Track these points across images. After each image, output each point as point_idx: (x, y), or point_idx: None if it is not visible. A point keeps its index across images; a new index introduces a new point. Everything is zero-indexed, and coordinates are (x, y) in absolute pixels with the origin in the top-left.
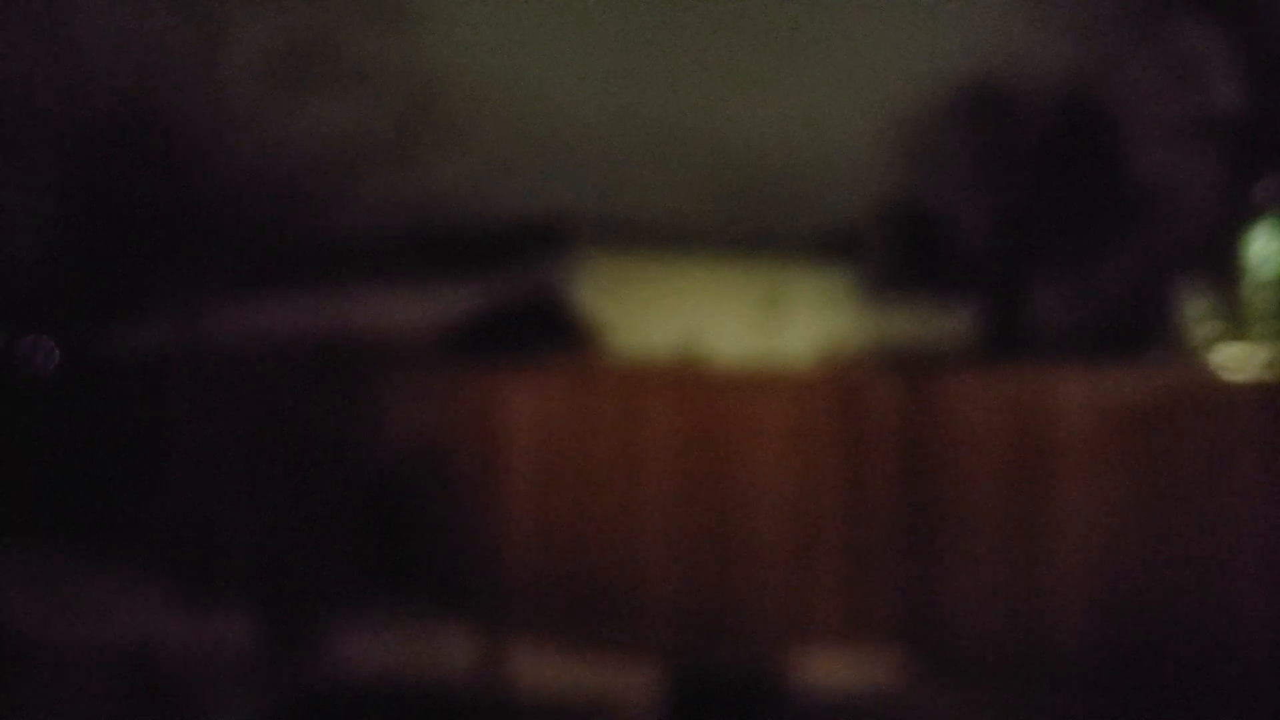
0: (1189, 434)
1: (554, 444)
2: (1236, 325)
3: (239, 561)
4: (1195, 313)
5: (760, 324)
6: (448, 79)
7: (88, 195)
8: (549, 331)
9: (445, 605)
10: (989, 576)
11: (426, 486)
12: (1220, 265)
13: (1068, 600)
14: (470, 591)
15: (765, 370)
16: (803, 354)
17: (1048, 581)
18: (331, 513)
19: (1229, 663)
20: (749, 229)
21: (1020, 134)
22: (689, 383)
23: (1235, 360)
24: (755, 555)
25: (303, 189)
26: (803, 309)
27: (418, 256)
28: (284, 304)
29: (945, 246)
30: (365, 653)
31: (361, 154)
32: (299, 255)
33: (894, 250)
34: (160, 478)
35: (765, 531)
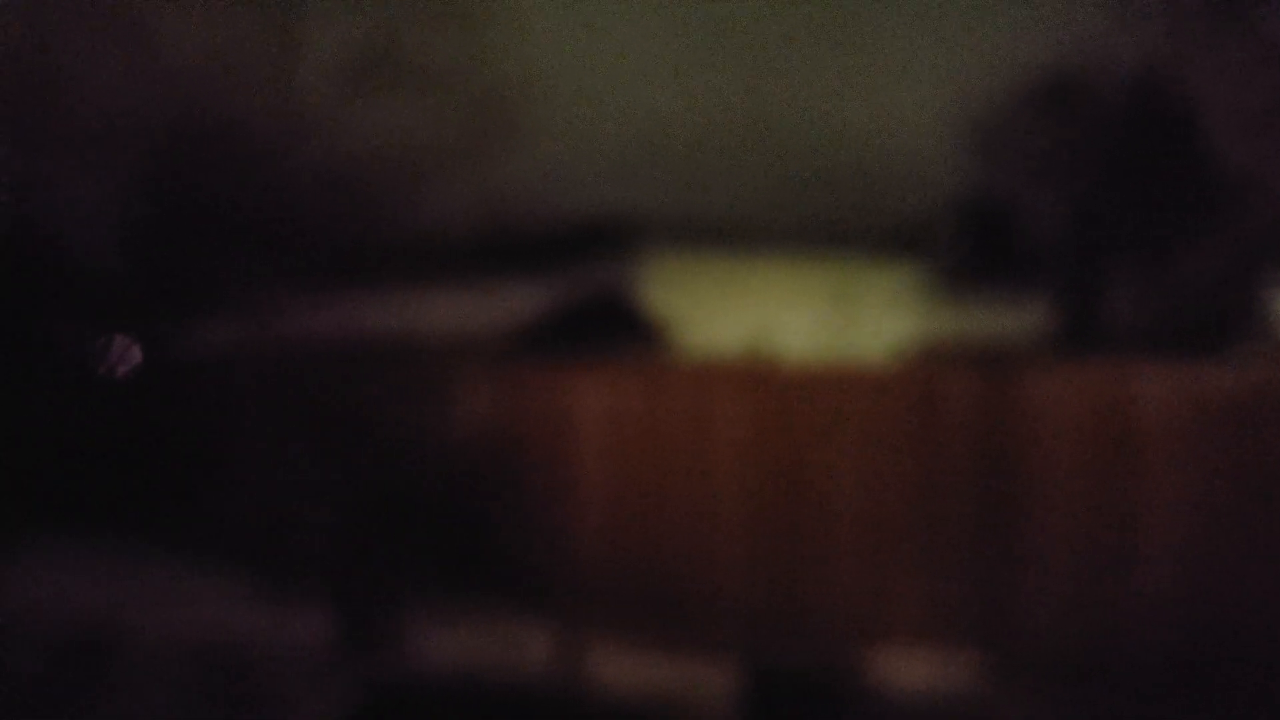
0: (1278, 431)
1: (625, 442)
2: None
3: (315, 558)
4: None
5: (830, 321)
6: (516, 79)
7: (164, 197)
8: (618, 330)
9: (519, 603)
10: (1069, 578)
11: (498, 485)
12: None
13: (1151, 604)
14: (543, 590)
15: (838, 367)
16: (873, 351)
17: (1130, 584)
18: (406, 510)
19: None
20: (818, 225)
21: (1097, 124)
22: (761, 380)
23: None
24: (829, 554)
25: (374, 190)
26: (873, 306)
27: (487, 256)
28: (356, 304)
29: (1019, 241)
30: (441, 650)
31: (432, 155)
32: (370, 256)
33: (966, 245)
34: (236, 474)
35: (840, 531)
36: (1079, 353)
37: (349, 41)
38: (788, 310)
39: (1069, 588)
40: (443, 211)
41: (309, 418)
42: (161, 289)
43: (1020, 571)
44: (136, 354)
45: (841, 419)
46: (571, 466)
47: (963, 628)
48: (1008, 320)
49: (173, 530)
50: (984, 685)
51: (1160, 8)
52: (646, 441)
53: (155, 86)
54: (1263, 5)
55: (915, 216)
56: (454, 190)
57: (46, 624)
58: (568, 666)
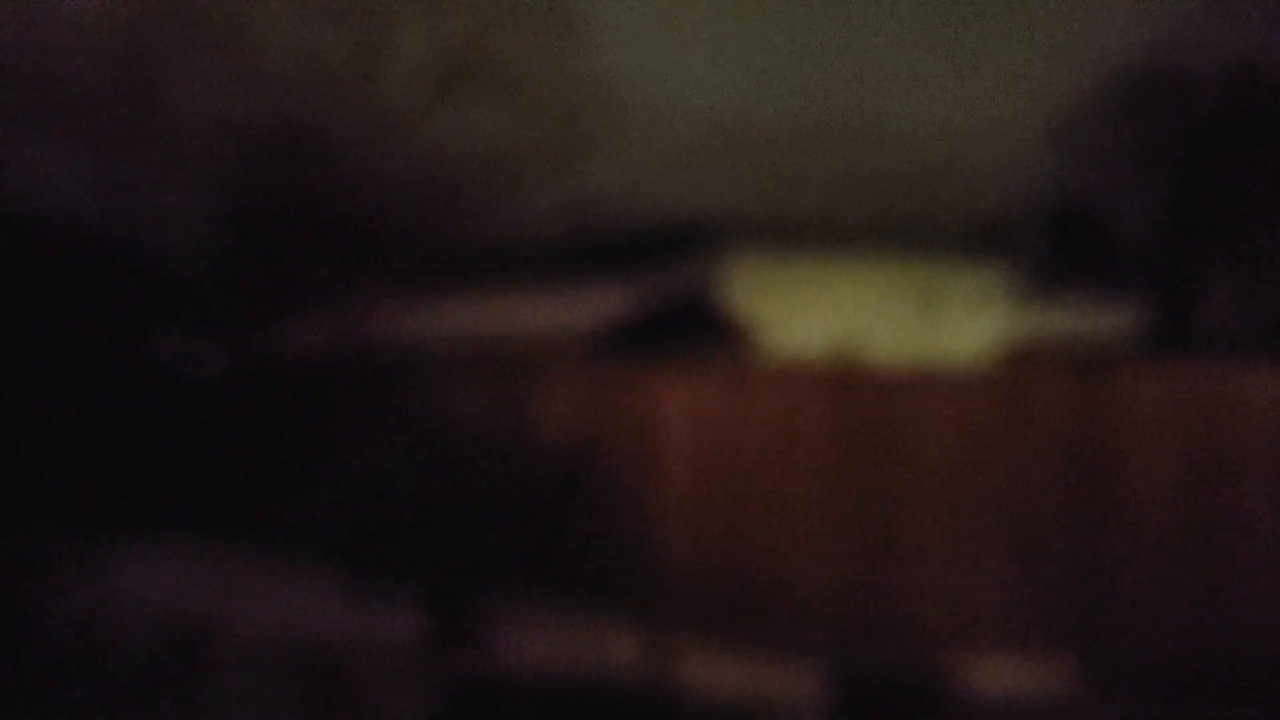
0: None
1: (710, 444)
2: None
3: (404, 557)
4: None
5: (914, 322)
6: (600, 82)
7: (255, 201)
8: (702, 332)
9: (606, 604)
10: (1165, 584)
11: (584, 485)
12: None
13: (1251, 612)
14: (630, 590)
15: (926, 369)
16: (960, 353)
17: (1229, 591)
18: (493, 510)
19: None
20: (902, 225)
21: (1189, 118)
22: (846, 382)
23: None
24: (917, 557)
25: (461, 194)
26: (959, 306)
27: (573, 259)
28: (443, 306)
29: (1108, 239)
30: (527, 649)
31: (518, 158)
32: (457, 259)
33: (1054, 244)
34: (327, 474)
35: (928, 533)
36: (1173, 354)
37: (437, 46)
38: (872, 311)
39: (1163, 594)
40: (528, 215)
41: (397, 418)
42: (253, 292)
43: (1113, 577)
44: (222, 356)
45: (930, 421)
46: (657, 468)
47: (1055, 633)
48: (1097, 321)
49: (264, 529)
50: (1076, 692)
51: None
52: (732, 443)
53: (245, 92)
54: None
55: (1002, 215)
56: (539, 193)
57: (143, 621)
58: (654, 668)
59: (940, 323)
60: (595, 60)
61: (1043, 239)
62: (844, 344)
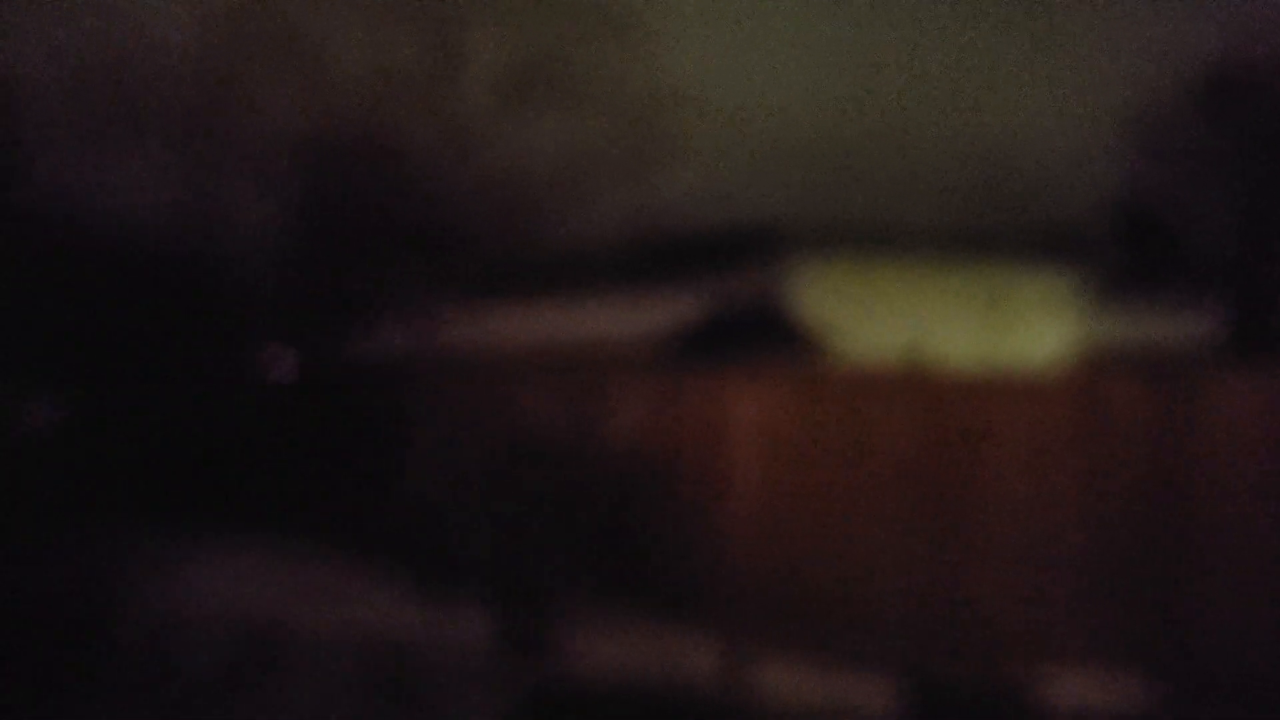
0: None
1: (782, 450)
2: None
3: (477, 562)
4: None
5: (986, 327)
6: (671, 90)
7: (330, 210)
8: (771, 338)
9: (676, 610)
10: (1245, 595)
11: (656, 492)
12: None
13: None
14: (701, 596)
15: (1001, 375)
16: (1032, 359)
17: None
18: (563, 516)
19: None
20: (973, 229)
21: (1266, 121)
22: (917, 388)
23: None
24: (992, 567)
25: (531, 202)
26: (1031, 312)
27: (643, 265)
28: (515, 312)
29: (1184, 243)
30: (598, 655)
31: (588, 167)
32: (528, 266)
33: (1127, 249)
34: (400, 479)
35: (1001, 541)
36: (1251, 359)
37: (508, 56)
38: (943, 317)
39: (1243, 606)
40: (599, 222)
41: (469, 424)
42: (329, 300)
43: (1191, 588)
44: (293, 363)
45: (1002, 429)
46: (728, 474)
47: (1131, 646)
48: (1173, 326)
49: (339, 533)
50: (1153, 708)
51: None
52: (803, 449)
53: (321, 103)
54: None
55: (1075, 219)
56: (610, 201)
57: (218, 623)
58: (727, 676)
59: (1011, 328)
60: (665, 69)
61: (1116, 243)
62: (914, 350)
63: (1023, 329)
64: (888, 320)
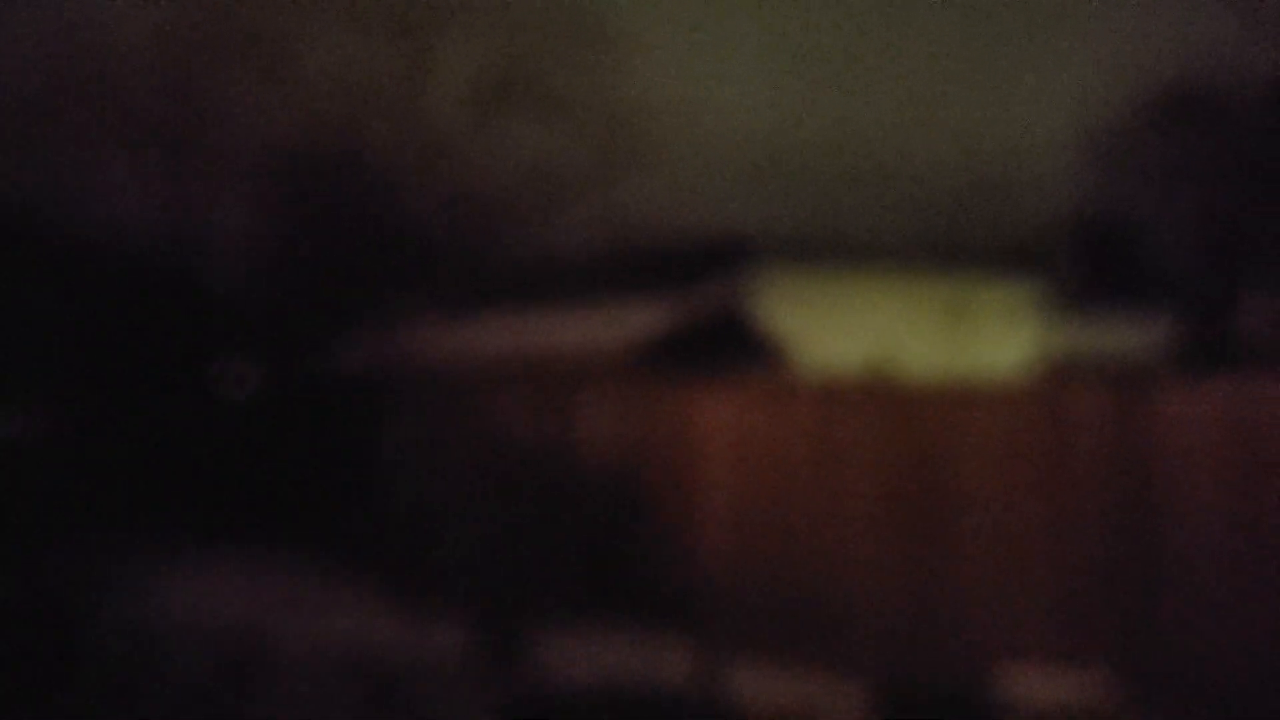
0: None
1: (752, 460)
2: None
3: (454, 573)
4: None
5: (948, 338)
6: (639, 102)
7: (300, 222)
8: (738, 348)
9: (651, 619)
10: (1205, 597)
11: (627, 501)
12: None
13: None
14: (676, 607)
15: (963, 385)
16: (994, 368)
17: (1269, 606)
18: (539, 526)
19: None
20: (936, 241)
21: (1225, 136)
22: (883, 398)
23: None
24: (960, 572)
25: (502, 212)
26: (993, 322)
27: (610, 275)
28: (486, 323)
29: (1144, 255)
30: (575, 664)
31: (558, 177)
32: (498, 277)
33: (1087, 260)
34: (375, 491)
35: (968, 546)
36: (1208, 370)
37: (481, 67)
38: (908, 328)
39: (1203, 607)
40: (568, 232)
41: (443, 434)
42: (301, 311)
43: (1153, 590)
44: (264, 375)
45: (967, 437)
46: (697, 483)
47: (1096, 646)
48: (1134, 337)
49: (317, 545)
50: (1118, 705)
51: None
52: (771, 458)
53: (293, 112)
54: None
55: (1036, 231)
56: (579, 211)
57: (196, 636)
58: (702, 682)
59: (973, 339)
60: (636, 80)
61: (1076, 255)
62: (879, 360)
63: (986, 339)
64: (853, 330)
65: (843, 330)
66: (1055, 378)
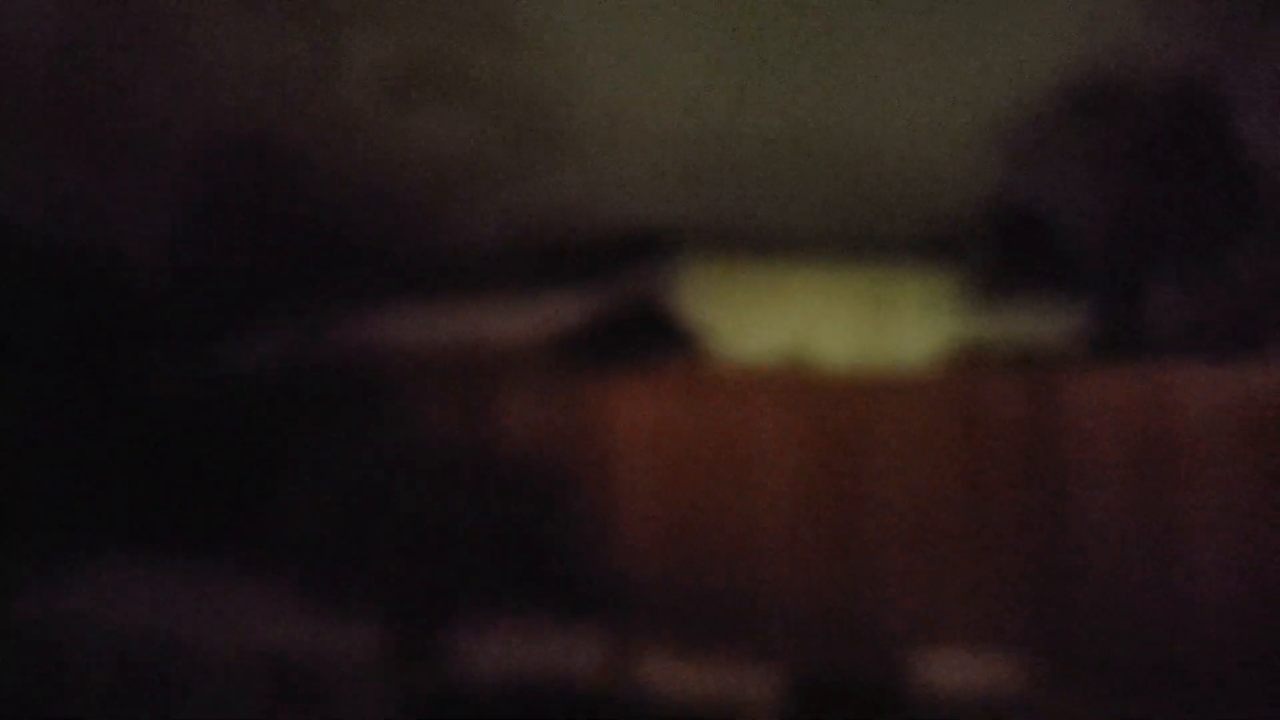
0: None
1: (668, 450)
2: None
3: (366, 569)
4: None
5: (866, 327)
6: (555, 92)
7: (211, 212)
8: (657, 339)
9: (568, 612)
10: (1116, 582)
11: (544, 494)
12: None
13: (1200, 607)
14: (592, 598)
15: (879, 374)
16: (911, 358)
17: (1179, 587)
18: (455, 521)
19: None
20: (854, 232)
21: (1133, 127)
22: (800, 387)
23: None
24: (875, 559)
25: (416, 202)
26: (910, 312)
27: (527, 267)
28: (401, 315)
29: (1056, 245)
30: (492, 659)
31: (473, 167)
32: (412, 268)
33: (1001, 250)
34: (288, 488)
35: (884, 534)
36: (1119, 357)
37: (393, 55)
38: (825, 318)
39: (1115, 591)
40: (483, 223)
41: (358, 428)
42: (211, 304)
43: (1066, 575)
44: (183, 370)
45: (883, 425)
46: (615, 475)
47: (1011, 631)
48: (1046, 326)
49: (230, 543)
50: (1032, 689)
51: (1197, 9)
52: (689, 448)
53: (201, 99)
54: None
55: (951, 222)
56: (495, 202)
57: (108, 635)
58: (616, 674)
59: (890, 328)
60: (552, 70)
61: (990, 245)
62: (798, 350)
63: (902, 329)
64: (772, 321)
65: (761, 321)
66: (969, 366)
